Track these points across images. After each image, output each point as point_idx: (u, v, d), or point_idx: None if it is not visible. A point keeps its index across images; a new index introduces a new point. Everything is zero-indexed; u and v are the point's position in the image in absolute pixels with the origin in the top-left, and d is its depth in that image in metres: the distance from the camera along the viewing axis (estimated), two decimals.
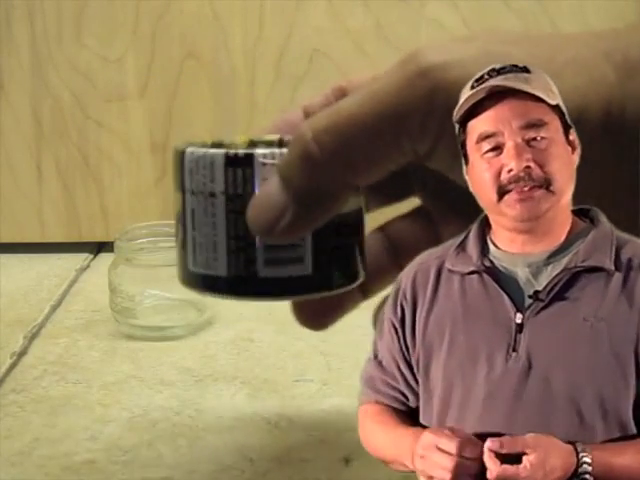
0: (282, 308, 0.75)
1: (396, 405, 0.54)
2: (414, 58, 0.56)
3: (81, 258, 1.12)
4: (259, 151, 0.56)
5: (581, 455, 0.46)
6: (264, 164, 0.56)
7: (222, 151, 0.56)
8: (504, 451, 0.46)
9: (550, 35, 0.61)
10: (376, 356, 0.55)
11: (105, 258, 1.07)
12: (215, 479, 0.69)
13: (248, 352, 0.89)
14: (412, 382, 0.53)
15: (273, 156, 0.56)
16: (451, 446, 0.47)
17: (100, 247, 1.15)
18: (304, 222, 0.56)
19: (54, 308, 0.99)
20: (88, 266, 1.11)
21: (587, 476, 0.46)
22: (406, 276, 0.54)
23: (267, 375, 0.84)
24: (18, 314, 0.97)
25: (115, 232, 0.96)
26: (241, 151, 0.56)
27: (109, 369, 0.86)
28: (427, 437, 0.49)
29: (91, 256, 1.13)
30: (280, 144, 0.59)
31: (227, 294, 0.57)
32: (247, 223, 0.56)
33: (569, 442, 0.46)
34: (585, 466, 0.46)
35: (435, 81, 0.57)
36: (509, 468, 0.46)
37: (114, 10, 1.10)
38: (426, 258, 0.54)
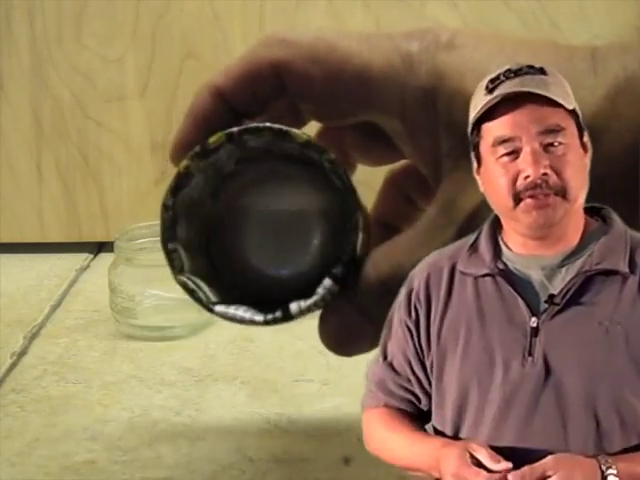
0: None
1: (406, 407, 0.53)
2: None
3: (81, 258, 1.12)
4: (294, 307, 0.59)
5: (605, 467, 0.45)
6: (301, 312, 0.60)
7: (260, 318, 0.59)
8: None
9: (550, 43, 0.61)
10: (385, 357, 0.54)
11: (105, 258, 1.07)
12: (215, 479, 0.69)
13: (248, 352, 0.89)
14: (426, 384, 0.52)
15: (309, 309, 0.59)
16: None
17: (100, 247, 1.15)
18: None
19: (54, 308, 0.99)
20: (88, 266, 1.11)
21: None
22: (418, 277, 0.53)
23: (267, 375, 0.84)
24: (18, 314, 0.97)
25: (115, 232, 0.96)
26: (278, 314, 0.59)
27: (109, 369, 0.86)
28: (452, 463, 0.47)
29: (91, 256, 1.13)
30: (230, 141, 0.59)
31: None
32: None
33: (592, 456, 0.45)
34: (611, 477, 0.45)
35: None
36: None
37: (114, 10, 1.10)
38: (437, 258, 0.53)
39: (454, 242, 0.54)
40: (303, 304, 0.59)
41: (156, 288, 0.92)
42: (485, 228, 0.52)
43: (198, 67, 1.11)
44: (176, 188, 0.59)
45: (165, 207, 0.59)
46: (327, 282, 0.59)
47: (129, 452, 0.72)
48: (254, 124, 0.58)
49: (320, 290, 0.59)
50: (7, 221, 1.14)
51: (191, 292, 0.61)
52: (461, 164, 0.57)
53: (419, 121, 0.59)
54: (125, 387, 0.82)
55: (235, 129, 0.58)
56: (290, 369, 0.84)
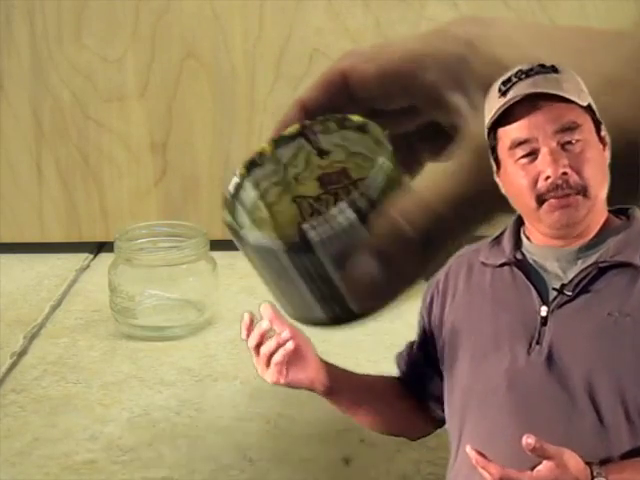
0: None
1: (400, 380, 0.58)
2: None
3: (81, 258, 1.12)
4: (306, 227, 0.55)
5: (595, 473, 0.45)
6: (322, 242, 0.55)
7: (279, 242, 0.57)
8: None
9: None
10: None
11: (105, 258, 1.07)
12: (215, 479, 0.69)
13: (248, 352, 0.88)
14: (419, 362, 0.56)
15: (324, 230, 0.54)
16: None
17: (100, 247, 1.15)
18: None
19: (54, 308, 0.99)
20: (88, 266, 1.11)
21: None
22: (444, 268, 0.55)
23: None
24: (18, 314, 0.97)
25: (115, 232, 0.96)
26: (297, 240, 0.55)
27: (109, 369, 0.86)
28: None
29: (91, 256, 1.13)
30: (302, 134, 0.61)
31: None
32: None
33: (588, 463, 0.46)
34: None
35: None
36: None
37: (114, 10, 1.10)
38: (464, 251, 0.55)
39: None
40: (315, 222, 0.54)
41: (156, 288, 0.92)
42: (510, 224, 0.53)
43: (198, 67, 1.11)
44: (250, 163, 0.61)
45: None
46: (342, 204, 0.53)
47: (129, 452, 0.72)
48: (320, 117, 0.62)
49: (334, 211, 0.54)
50: (7, 221, 1.14)
51: None
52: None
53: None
54: (125, 387, 0.82)
55: (307, 122, 0.61)
56: None
